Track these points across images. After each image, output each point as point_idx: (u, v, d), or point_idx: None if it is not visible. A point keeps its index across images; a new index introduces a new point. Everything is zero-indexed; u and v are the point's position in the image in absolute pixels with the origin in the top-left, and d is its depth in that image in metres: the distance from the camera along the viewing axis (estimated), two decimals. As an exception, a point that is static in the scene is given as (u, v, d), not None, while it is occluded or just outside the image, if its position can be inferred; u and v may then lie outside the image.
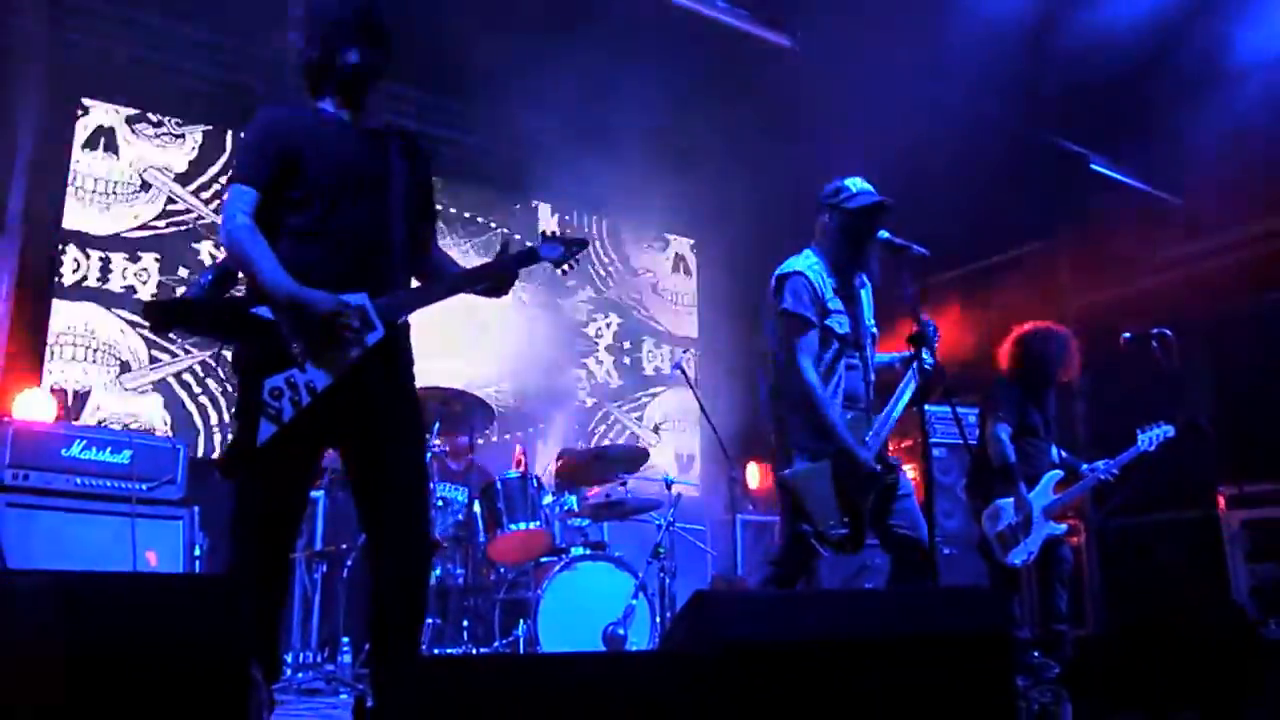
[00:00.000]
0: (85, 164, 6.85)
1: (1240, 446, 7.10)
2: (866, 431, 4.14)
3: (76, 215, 6.77)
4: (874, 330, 4.40)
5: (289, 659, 5.79)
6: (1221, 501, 6.93)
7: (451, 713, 2.26)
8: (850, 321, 4.25)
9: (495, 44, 6.02)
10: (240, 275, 3.14)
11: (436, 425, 5.79)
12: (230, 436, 3.10)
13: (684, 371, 6.39)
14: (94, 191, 6.86)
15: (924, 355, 4.21)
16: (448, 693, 2.30)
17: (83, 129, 6.88)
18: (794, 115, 6.68)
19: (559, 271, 3.55)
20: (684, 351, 6.52)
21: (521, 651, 5.37)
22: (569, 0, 5.91)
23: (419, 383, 5.65)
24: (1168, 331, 5.90)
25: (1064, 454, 6.11)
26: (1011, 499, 5.78)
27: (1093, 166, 7.71)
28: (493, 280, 3.37)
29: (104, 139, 6.94)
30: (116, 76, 6.93)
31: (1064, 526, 5.89)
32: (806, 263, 4.25)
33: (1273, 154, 6.72)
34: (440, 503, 5.82)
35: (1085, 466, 6.01)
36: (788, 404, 4.14)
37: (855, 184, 4.29)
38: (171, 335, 6.59)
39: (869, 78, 6.24)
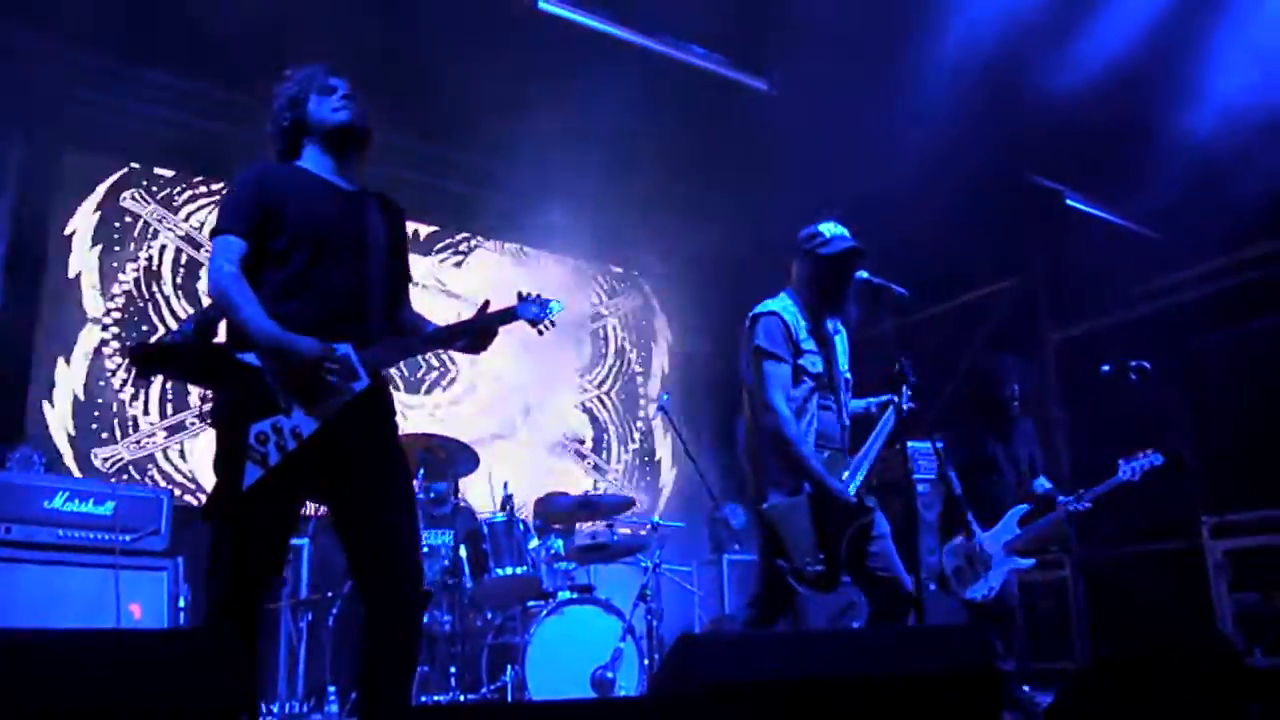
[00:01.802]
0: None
1: (1220, 477, 7.14)
2: (842, 471, 4.16)
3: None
4: (849, 376, 4.43)
5: (275, 709, 5.75)
6: (1205, 532, 6.96)
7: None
8: (824, 363, 4.28)
9: (463, 86, 6.09)
10: (221, 324, 3.17)
11: (421, 471, 5.79)
12: (213, 483, 3.08)
13: (666, 411, 6.42)
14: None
15: (902, 396, 4.25)
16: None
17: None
18: (769, 157, 6.74)
19: (536, 331, 3.60)
20: (667, 394, 6.54)
21: (509, 698, 5.35)
22: (543, 45, 5.95)
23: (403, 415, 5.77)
24: (1146, 364, 5.93)
25: (1047, 487, 6.05)
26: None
27: (1068, 202, 7.79)
28: (474, 338, 3.41)
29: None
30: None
31: (1029, 562, 5.79)
32: (781, 304, 4.29)
33: (1243, 186, 6.82)
34: (426, 549, 5.80)
35: (1060, 499, 5.92)
36: (762, 440, 4.15)
37: (829, 229, 4.32)
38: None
39: (843, 118, 6.32)
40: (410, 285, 3.59)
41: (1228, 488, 7.09)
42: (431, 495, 6.08)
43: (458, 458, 5.93)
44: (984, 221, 7.54)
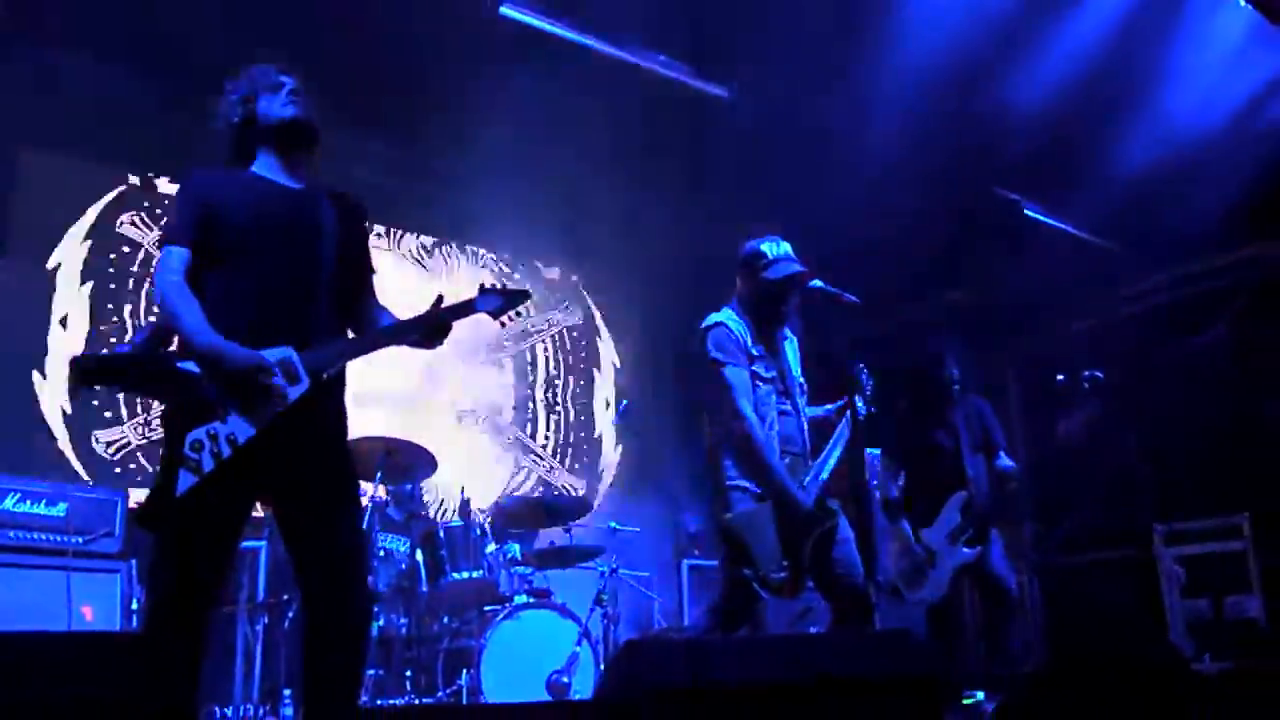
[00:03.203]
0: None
1: (1173, 485, 7.25)
2: (804, 476, 4.19)
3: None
4: (802, 381, 4.46)
5: (230, 712, 5.71)
6: (1157, 539, 7.06)
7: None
8: (776, 370, 4.31)
9: (422, 84, 6.09)
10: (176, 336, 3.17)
11: (379, 475, 5.78)
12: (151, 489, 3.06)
13: (628, 418, 6.46)
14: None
15: (857, 402, 4.30)
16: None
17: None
18: (729, 166, 6.79)
19: (498, 324, 3.57)
20: (624, 400, 6.57)
21: (464, 702, 5.35)
22: (504, 49, 5.96)
23: (362, 432, 5.75)
24: (1099, 374, 6.00)
25: (1009, 465, 5.79)
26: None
27: (1026, 212, 7.88)
28: (425, 332, 3.39)
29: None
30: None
31: (971, 551, 5.49)
32: (726, 315, 4.33)
33: (1195, 200, 6.93)
34: (382, 553, 5.80)
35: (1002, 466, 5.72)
36: (726, 449, 4.18)
37: (772, 249, 4.34)
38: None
39: (803, 127, 6.37)
40: (373, 278, 3.55)
41: (1180, 496, 7.20)
42: (391, 500, 6.07)
43: (416, 461, 5.91)
44: (943, 231, 7.61)
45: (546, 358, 8.54)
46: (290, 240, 3.22)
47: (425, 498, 6.31)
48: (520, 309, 3.56)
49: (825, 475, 4.24)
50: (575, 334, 8.78)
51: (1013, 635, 5.65)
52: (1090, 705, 3.68)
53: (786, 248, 4.36)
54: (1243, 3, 6.06)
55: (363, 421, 5.64)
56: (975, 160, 7.20)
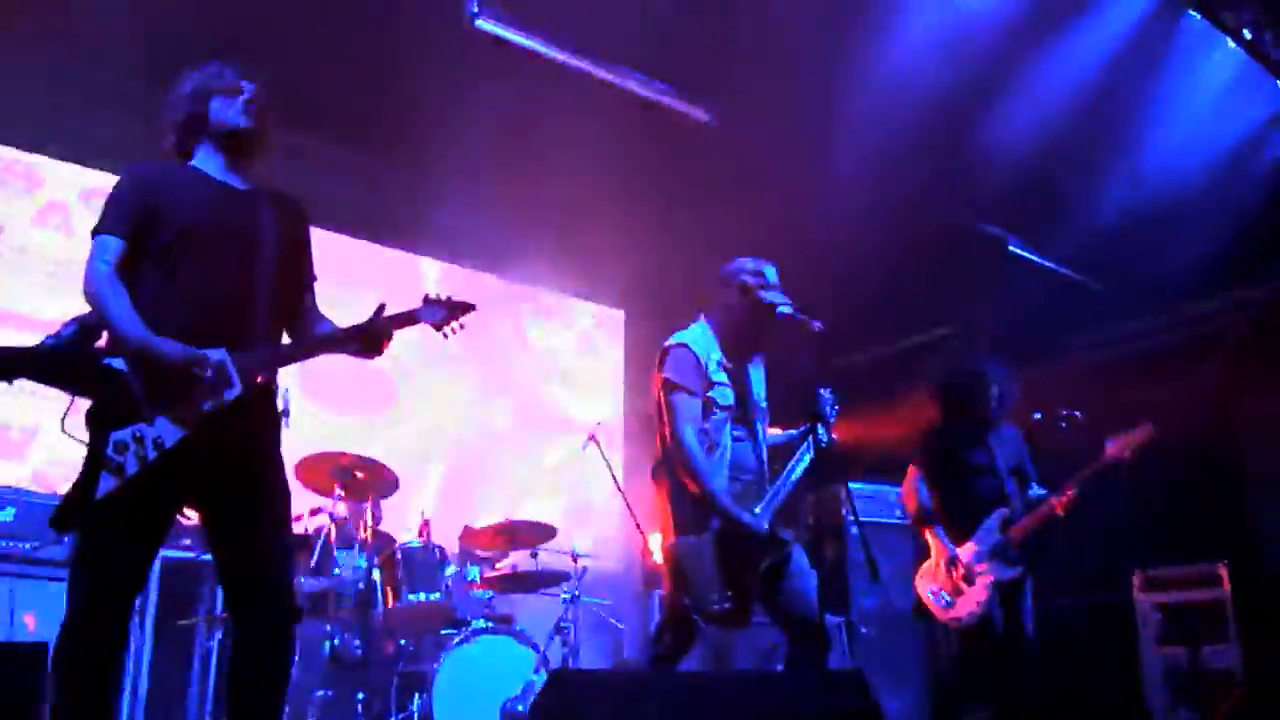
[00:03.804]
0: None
1: (1152, 531, 7.14)
2: (756, 503, 4.09)
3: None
4: (764, 405, 4.37)
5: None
6: (1135, 585, 6.95)
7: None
8: (735, 395, 4.22)
9: (401, 95, 6.02)
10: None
11: (339, 492, 5.67)
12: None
13: (598, 443, 6.34)
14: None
15: (819, 430, 4.20)
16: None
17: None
18: (710, 190, 6.73)
19: (441, 336, 3.49)
20: (597, 423, 6.45)
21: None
22: (481, 63, 5.90)
23: (327, 448, 5.65)
24: (1077, 413, 5.89)
25: (1042, 493, 5.53)
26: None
27: (1011, 248, 7.82)
28: (365, 341, 3.30)
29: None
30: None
31: (1013, 571, 5.29)
32: (693, 336, 4.26)
33: (1181, 244, 6.87)
34: (337, 570, 5.69)
35: (1045, 493, 5.45)
36: (671, 474, 4.09)
37: (771, 274, 4.29)
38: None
39: (786, 154, 6.30)
40: (313, 285, 3.48)
41: (1159, 542, 7.09)
42: (351, 517, 5.95)
43: (378, 480, 5.81)
44: (926, 265, 7.53)
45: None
46: (229, 241, 3.15)
47: (385, 517, 6.17)
48: (464, 321, 3.47)
49: (778, 502, 4.13)
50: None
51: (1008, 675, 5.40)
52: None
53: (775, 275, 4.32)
54: (1231, 45, 6.00)
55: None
56: (960, 194, 7.14)
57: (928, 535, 5.59)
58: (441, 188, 6.82)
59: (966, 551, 5.39)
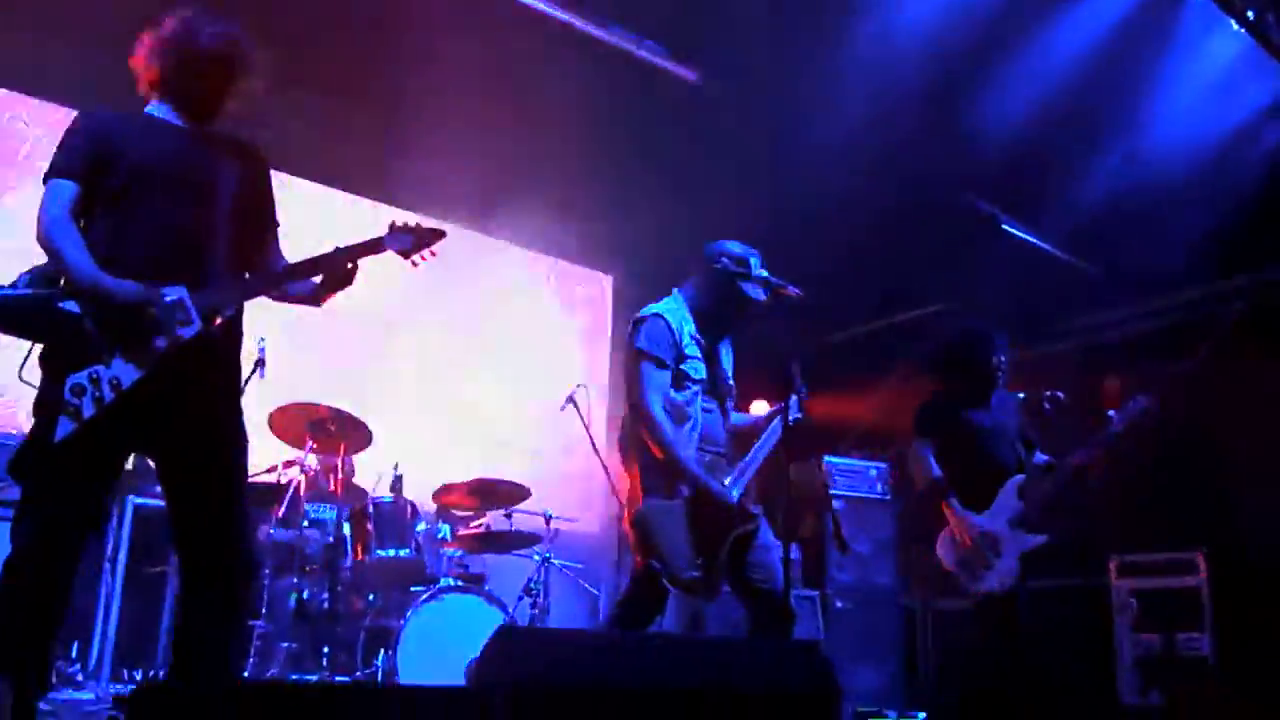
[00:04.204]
0: None
1: (1131, 516, 7.10)
2: (725, 475, 4.05)
3: None
4: (732, 384, 4.35)
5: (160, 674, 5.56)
6: (1112, 570, 6.92)
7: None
8: (706, 369, 4.20)
9: (380, 46, 5.91)
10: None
11: (311, 444, 5.62)
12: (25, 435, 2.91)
13: (575, 405, 6.28)
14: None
15: (792, 402, 4.14)
16: (197, 717, 2.15)
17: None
18: (697, 153, 6.63)
19: (410, 263, 3.41)
20: (577, 385, 6.38)
21: (380, 682, 5.20)
22: (462, 13, 5.77)
23: (297, 399, 5.59)
24: (1060, 394, 5.82)
25: (1046, 458, 5.47)
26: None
27: (1004, 227, 7.73)
28: (328, 272, 3.23)
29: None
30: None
31: (1040, 538, 5.17)
32: (668, 307, 4.22)
33: (1174, 230, 6.79)
34: (306, 522, 5.64)
35: (1066, 458, 5.29)
36: (639, 443, 4.05)
37: (756, 264, 4.24)
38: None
39: (775, 120, 6.20)
40: (276, 229, 3.41)
41: (1137, 527, 7.06)
42: (323, 469, 5.90)
43: (350, 433, 5.75)
44: (916, 238, 7.45)
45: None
46: (184, 182, 3.10)
47: (358, 471, 6.13)
48: (434, 249, 3.38)
49: (748, 477, 4.09)
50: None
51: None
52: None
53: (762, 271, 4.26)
54: (1235, 26, 5.90)
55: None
56: (953, 170, 7.04)
57: (945, 508, 5.34)
58: (422, 142, 6.72)
59: (989, 521, 5.23)
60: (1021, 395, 5.75)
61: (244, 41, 3.24)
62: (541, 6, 5.59)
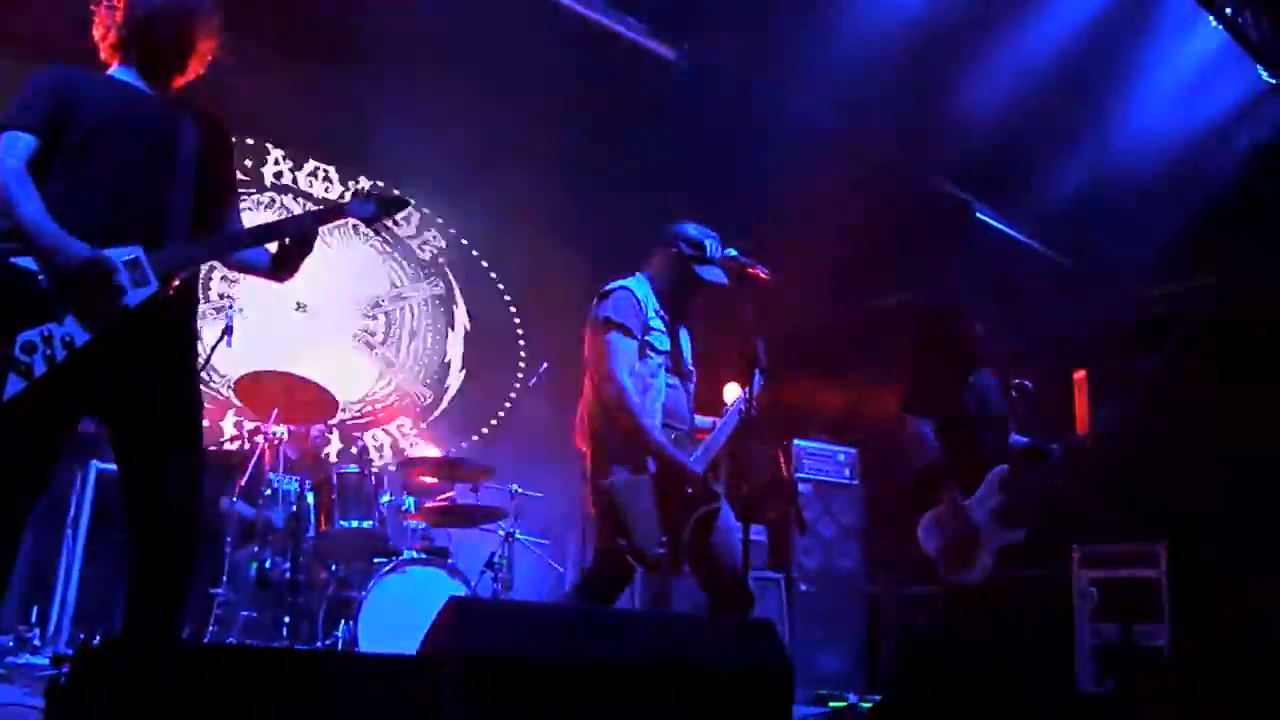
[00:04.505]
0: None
1: (1094, 506, 7.14)
2: (689, 454, 4.03)
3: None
4: (692, 369, 4.32)
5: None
6: (1074, 560, 6.96)
7: (139, 698, 2.09)
8: (671, 345, 4.18)
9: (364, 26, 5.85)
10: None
11: (275, 411, 5.58)
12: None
13: (543, 380, 6.27)
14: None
15: (755, 380, 4.12)
16: (141, 678, 2.13)
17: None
18: (674, 133, 6.60)
19: (374, 230, 3.40)
20: (544, 363, 6.36)
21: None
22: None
23: (271, 367, 5.55)
24: (1027, 383, 5.81)
25: (1024, 441, 5.36)
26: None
27: (978, 215, 7.74)
28: (289, 236, 3.19)
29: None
30: None
31: (1017, 534, 5.03)
32: (634, 283, 4.20)
33: (1150, 224, 6.82)
34: (269, 491, 5.61)
35: (1049, 446, 5.21)
36: (603, 415, 4.01)
37: (713, 246, 4.22)
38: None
39: (753, 102, 6.17)
40: (236, 194, 3.38)
41: (1100, 518, 7.10)
42: (289, 438, 5.87)
43: (317, 402, 5.72)
44: (891, 226, 7.45)
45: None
46: (145, 140, 3.05)
47: (324, 442, 6.12)
48: (398, 217, 3.38)
49: (711, 455, 4.08)
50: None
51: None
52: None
53: (719, 251, 4.23)
54: (1213, 22, 5.91)
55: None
56: (929, 157, 7.04)
57: (943, 493, 5.12)
58: (396, 115, 6.65)
59: (972, 510, 5.08)
60: (995, 378, 5.67)
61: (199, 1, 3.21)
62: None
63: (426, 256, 7.89)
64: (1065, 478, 5.44)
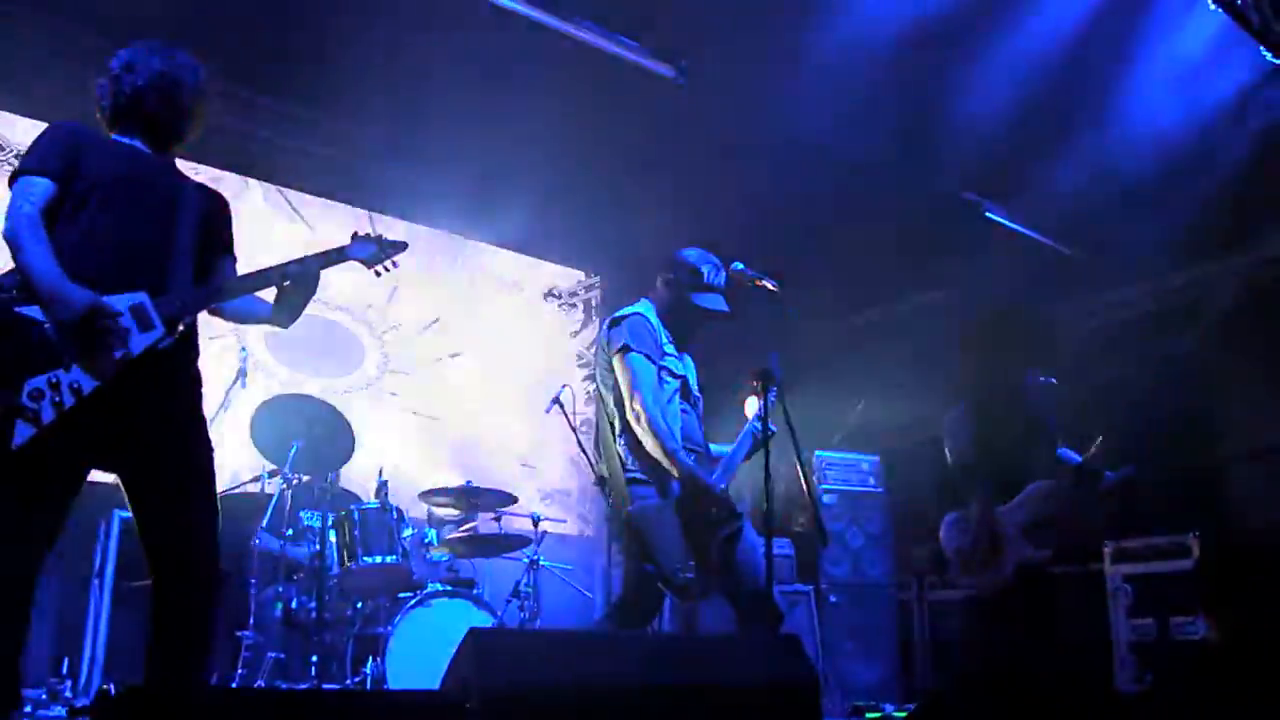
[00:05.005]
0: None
1: (1125, 501, 7.06)
2: (710, 474, 4.02)
3: None
4: (699, 395, 4.33)
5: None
6: (1106, 556, 6.88)
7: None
8: (684, 372, 4.20)
9: (368, 59, 5.87)
10: None
11: (295, 448, 5.56)
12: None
13: (561, 405, 6.23)
14: None
15: (768, 394, 4.10)
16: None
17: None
18: (680, 152, 6.58)
19: (373, 273, 3.42)
20: (563, 385, 6.32)
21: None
22: (444, 20, 5.73)
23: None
24: (1052, 380, 5.73)
25: (1075, 459, 5.19)
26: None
27: (987, 215, 7.69)
28: (291, 279, 3.20)
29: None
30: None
31: (1043, 553, 4.92)
32: (643, 309, 4.23)
33: (1164, 212, 6.76)
34: (291, 530, 5.60)
35: (1108, 474, 4.98)
36: (626, 439, 4.02)
37: (711, 274, 4.22)
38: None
39: (755, 117, 6.15)
40: (234, 256, 3.41)
41: (1132, 512, 7.02)
42: (304, 477, 5.86)
43: (337, 437, 5.71)
44: (900, 231, 7.42)
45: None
46: (151, 194, 3.11)
47: (342, 478, 6.10)
48: (396, 260, 3.39)
49: (732, 472, 4.07)
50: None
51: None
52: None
53: (722, 275, 4.25)
54: (1212, 6, 5.86)
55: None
56: (934, 159, 6.99)
57: (974, 496, 5.05)
58: (407, 146, 6.69)
59: (998, 517, 4.98)
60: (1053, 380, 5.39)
61: (188, 69, 3.28)
62: (515, 6, 5.51)
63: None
64: (1114, 507, 5.22)
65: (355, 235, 3.39)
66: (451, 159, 6.78)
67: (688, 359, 4.33)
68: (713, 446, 4.29)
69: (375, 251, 3.35)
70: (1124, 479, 5.03)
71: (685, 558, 3.83)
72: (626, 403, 4.00)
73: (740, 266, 4.16)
